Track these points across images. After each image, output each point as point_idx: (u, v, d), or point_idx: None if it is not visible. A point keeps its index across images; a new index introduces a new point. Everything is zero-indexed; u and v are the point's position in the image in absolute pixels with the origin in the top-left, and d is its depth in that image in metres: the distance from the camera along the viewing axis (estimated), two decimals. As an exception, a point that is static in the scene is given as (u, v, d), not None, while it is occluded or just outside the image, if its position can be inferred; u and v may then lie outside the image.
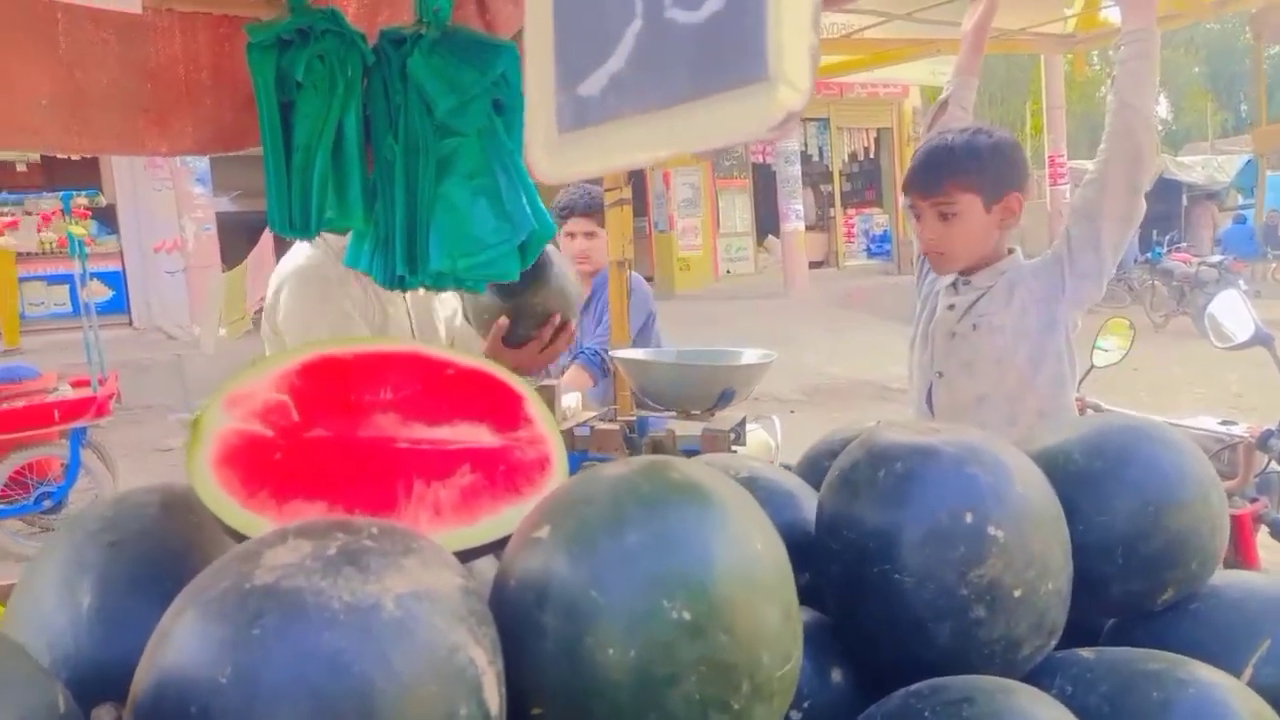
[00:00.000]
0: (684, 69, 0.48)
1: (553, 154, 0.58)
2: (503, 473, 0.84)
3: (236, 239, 12.52)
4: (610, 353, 2.42)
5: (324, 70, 1.56)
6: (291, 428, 0.80)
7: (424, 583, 0.61)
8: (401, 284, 1.70)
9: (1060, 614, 0.88)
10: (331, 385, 0.84)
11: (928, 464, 0.88)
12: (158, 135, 1.84)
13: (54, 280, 12.97)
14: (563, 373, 2.85)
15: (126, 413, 6.25)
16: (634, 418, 2.27)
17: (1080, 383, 2.57)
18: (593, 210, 3.16)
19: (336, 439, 0.81)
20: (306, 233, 1.65)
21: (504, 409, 0.88)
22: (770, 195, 16.18)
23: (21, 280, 11.78)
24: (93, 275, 6.27)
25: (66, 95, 1.76)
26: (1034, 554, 0.84)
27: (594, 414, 2.17)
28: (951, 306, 2.21)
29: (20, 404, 5.60)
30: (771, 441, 2.65)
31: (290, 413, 0.81)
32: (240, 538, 0.75)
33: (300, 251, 2.06)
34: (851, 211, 18.41)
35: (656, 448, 2.00)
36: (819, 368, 9.20)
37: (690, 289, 15.34)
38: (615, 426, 2.03)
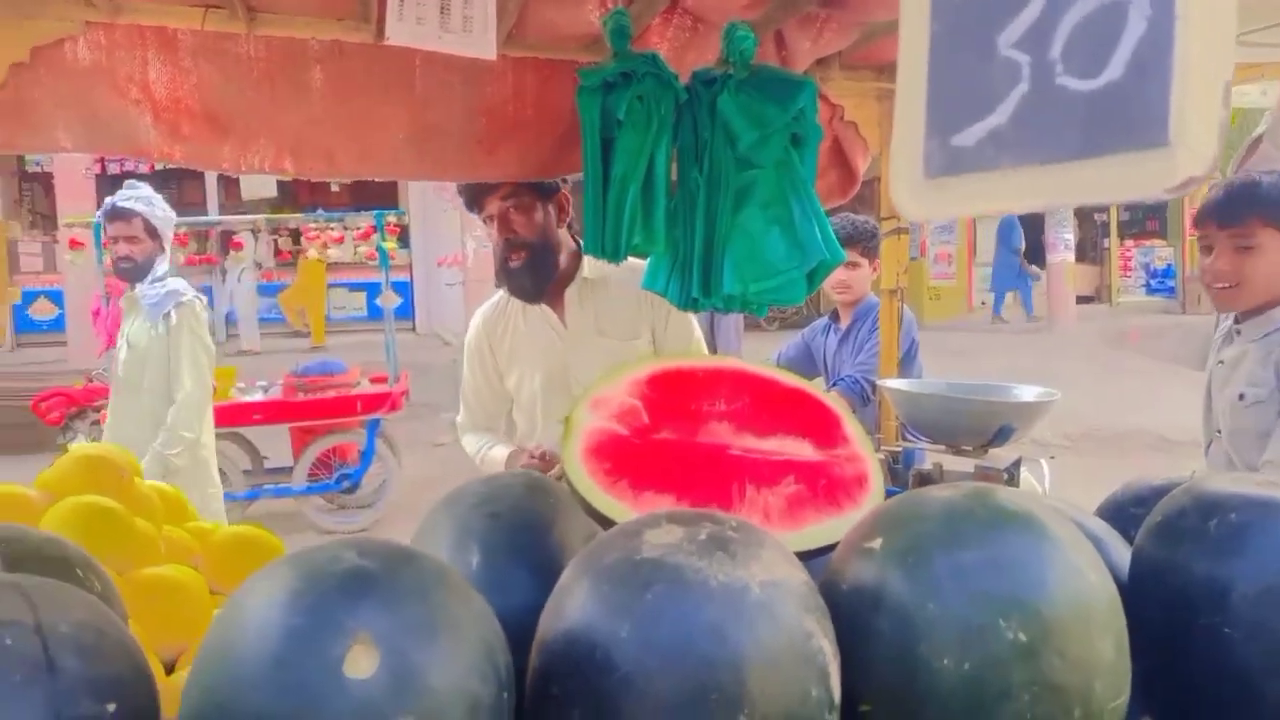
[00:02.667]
0: (1075, 129, 0.53)
1: (918, 195, 0.64)
2: (824, 486, 0.91)
3: (506, 255, 13.60)
4: (879, 382, 2.42)
5: (642, 110, 1.72)
6: (643, 429, 0.92)
7: (780, 573, 0.69)
8: (695, 305, 1.83)
9: None
10: (674, 394, 0.95)
11: (1266, 516, 0.85)
12: (488, 164, 2.10)
13: (354, 288, 14.81)
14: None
15: (408, 408, 6.98)
16: (899, 449, 2.26)
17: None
18: (856, 240, 3.18)
19: (680, 442, 0.92)
20: (616, 257, 1.82)
21: (824, 426, 0.95)
22: (1036, 222, 15.19)
23: (329, 287, 13.53)
24: (390, 285, 7.07)
25: (419, 131, 2.06)
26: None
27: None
28: (1221, 362, 2.10)
29: (331, 394, 6.41)
30: (1039, 487, 2.53)
31: (641, 415, 0.92)
32: (601, 518, 0.87)
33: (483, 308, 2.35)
34: (1129, 243, 16.87)
35: (923, 481, 1.99)
36: (1085, 411, 8.51)
37: (939, 319, 14.73)
38: (880, 457, 2.04)
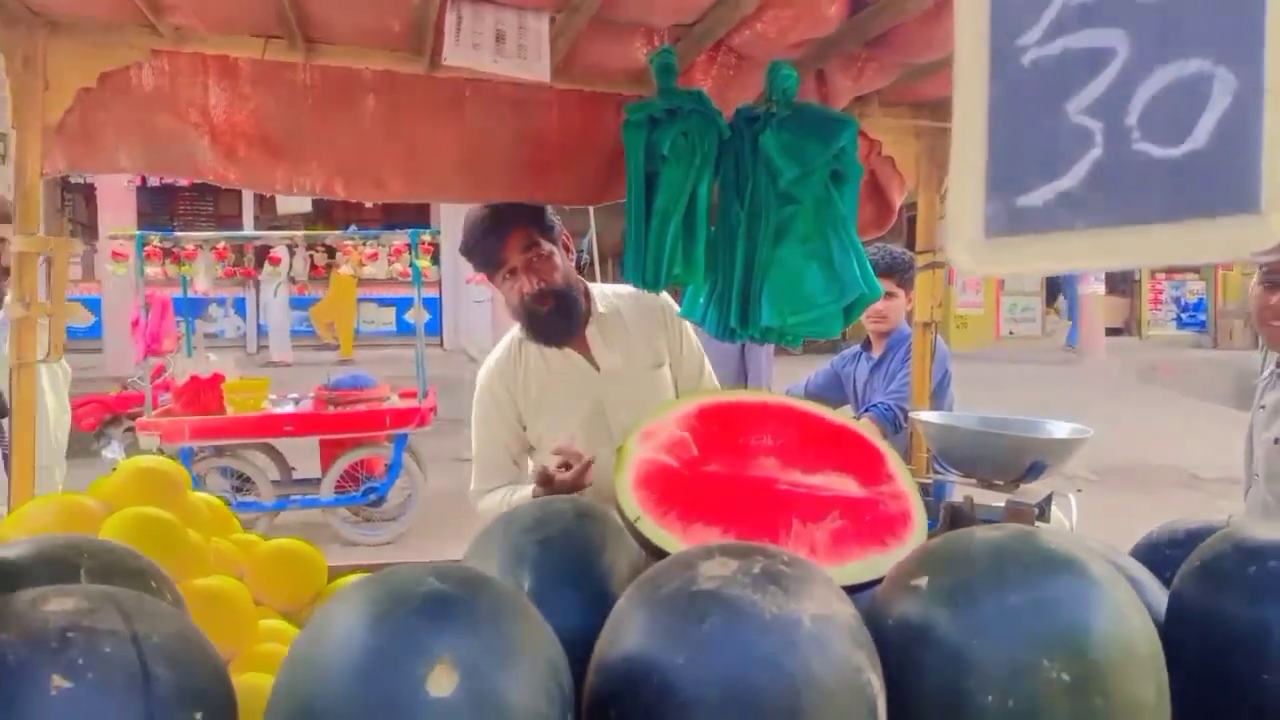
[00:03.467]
0: (1156, 193, 0.56)
1: (978, 255, 0.67)
2: (869, 522, 0.93)
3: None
4: (910, 413, 2.44)
5: (686, 145, 1.76)
6: (692, 461, 0.95)
7: (831, 608, 0.71)
8: (732, 336, 1.86)
9: None
10: (722, 428, 0.98)
11: (1306, 565, 0.87)
12: (535, 188, 2.15)
13: (384, 303, 15.01)
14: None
15: (433, 424, 7.05)
16: (930, 481, 2.27)
17: None
18: (893, 271, 3.20)
19: (729, 474, 0.95)
20: (656, 286, 1.86)
21: (868, 463, 0.98)
22: (1066, 255, 15.06)
23: (360, 301, 13.72)
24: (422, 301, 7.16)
25: (469, 157, 2.11)
26: None
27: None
28: (1263, 406, 2.08)
29: (361, 408, 6.50)
30: (1066, 521, 2.52)
31: (690, 448, 0.95)
32: (652, 548, 0.90)
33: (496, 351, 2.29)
34: (1160, 276, 16.74)
35: (954, 514, 2.00)
36: (1113, 445, 8.42)
37: (965, 348, 14.65)
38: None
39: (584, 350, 2.17)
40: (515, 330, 2.21)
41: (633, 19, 1.83)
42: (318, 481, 6.44)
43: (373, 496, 6.46)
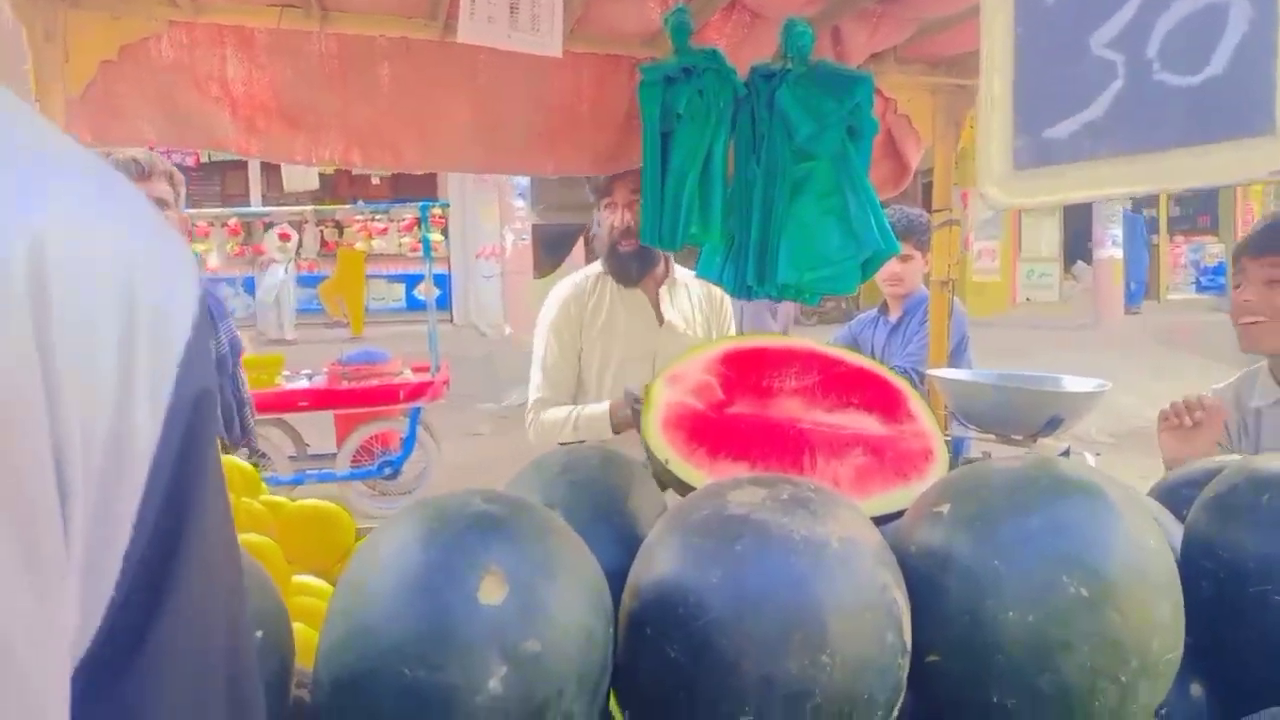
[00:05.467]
0: (1176, 121, 0.58)
1: (1008, 187, 0.69)
2: (891, 459, 0.96)
3: (544, 249, 13.75)
4: (928, 372, 2.46)
5: (702, 103, 1.78)
6: (718, 403, 0.98)
7: (857, 531, 0.74)
8: (749, 293, 1.88)
9: None
10: (747, 371, 1.01)
11: (1318, 493, 0.89)
12: (546, 157, 2.17)
13: (393, 279, 15.01)
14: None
15: (446, 399, 7.09)
16: (948, 437, 2.30)
17: None
18: (910, 233, 3.20)
19: (753, 416, 0.97)
20: (673, 245, 1.88)
21: (890, 403, 1.01)
22: (1083, 218, 14.96)
23: (368, 278, 13.73)
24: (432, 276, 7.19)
25: (483, 124, 2.13)
26: None
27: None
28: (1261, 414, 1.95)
29: (375, 383, 6.54)
30: (1085, 478, 2.53)
31: (716, 391, 0.98)
32: (680, 484, 0.93)
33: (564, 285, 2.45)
34: (1180, 239, 16.58)
35: (971, 469, 2.02)
36: (1132, 409, 8.39)
37: (982, 315, 14.59)
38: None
39: (654, 301, 2.37)
40: (597, 265, 2.41)
41: (647, -21, 1.84)
42: (333, 456, 6.50)
43: (388, 470, 6.51)
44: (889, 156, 2.32)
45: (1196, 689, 0.95)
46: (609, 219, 2.27)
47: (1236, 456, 1.09)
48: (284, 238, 8.46)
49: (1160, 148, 0.58)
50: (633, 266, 2.28)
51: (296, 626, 1.21)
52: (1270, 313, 1.83)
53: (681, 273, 2.43)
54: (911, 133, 2.28)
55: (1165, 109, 0.58)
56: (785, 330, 4.49)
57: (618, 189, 2.26)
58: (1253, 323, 1.86)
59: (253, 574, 0.71)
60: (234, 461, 1.83)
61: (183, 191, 2.36)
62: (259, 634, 0.67)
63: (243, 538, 1.49)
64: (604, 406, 2.25)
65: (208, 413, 0.39)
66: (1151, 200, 16.13)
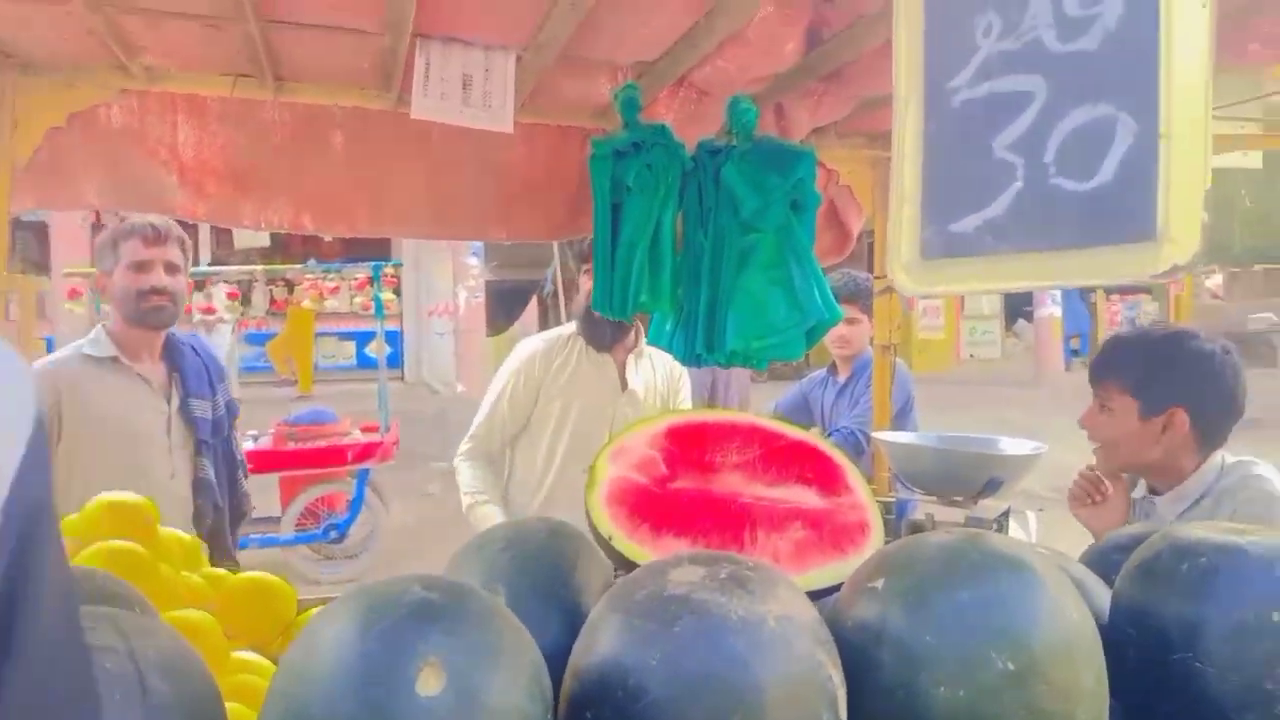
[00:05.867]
0: (1069, 223, 0.63)
1: (915, 275, 0.73)
2: (829, 532, 0.98)
3: (498, 306, 13.76)
4: (872, 434, 2.51)
5: (650, 176, 1.83)
6: (661, 478, 1.00)
7: (793, 609, 0.76)
8: (698, 360, 1.92)
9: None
10: (690, 446, 1.03)
11: (1234, 559, 0.93)
12: (500, 225, 2.20)
13: (344, 336, 14.86)
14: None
15: (396, 457, 7.00)
16: (892, 499, 2.34)
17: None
18: (856, 297, 3.29)
19: (696, 490, 0.99)
20: (623, 314, 1.92)
21: (828, 476, 1.03)
22: (1021, 279, 15.37)
23: (319, 335, 13.57)
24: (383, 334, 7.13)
25: (437, 191, 2.16)
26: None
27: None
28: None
29: (322, 444, 6.42)
30: (1026, 538, 2.59)
31: (659, 466, 1.00)
32: (623, 561, 0.94)
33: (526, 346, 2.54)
34: (1115, 298, 17.18)
35: (915, 530, 2.06)
36: (1073, 466, 8.59)
37: (927, 371, 14.88)
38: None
39: (620, 367, 2.48)
40: (571, 326, 2.52)
41: (598, 56, 1.90)
42: (278, 520, 6.32)
43: (334, 534, 6.34)
44: (832, 226, 2.39)
45: (1128, 756, 0.97)
46: (588, 285, 2.33)
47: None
48: (232, 296, 8.35)
49: (1055, 247, 0.63)
50: (607, 333, 2.38)
51: (233, 707, 1.18)
52: (1101, 439, 1.95)
53: (647, 347, 2.53)
54: (854, 203, 2.37)
55: (1060, 211, 0.63)
56: (744, 398, 4.57)
57: None
58: (1097, 446, 1.97)
59: (186, 662, 0.70)
60: (174, 534, 1.79)
61: (190, 257, 2.37)
62: (193, 725, 0.66)
63: (180, 615, 1.45)
64: (496, 517, 2.35)
65: (42, 529, 0.39)
66: (1092, 286, 16.66)
